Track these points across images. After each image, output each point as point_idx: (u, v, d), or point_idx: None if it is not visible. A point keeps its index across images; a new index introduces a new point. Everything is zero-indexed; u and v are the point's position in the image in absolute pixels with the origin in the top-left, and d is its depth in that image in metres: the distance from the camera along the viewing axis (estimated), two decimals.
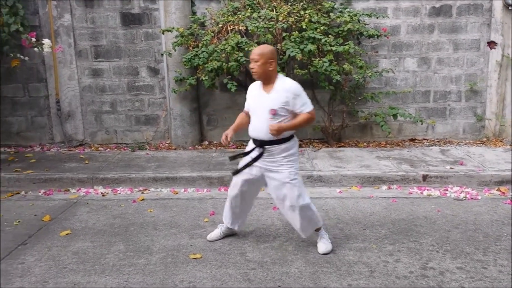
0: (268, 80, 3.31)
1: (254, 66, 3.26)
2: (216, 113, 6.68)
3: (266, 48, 3.30)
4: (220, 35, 5.85)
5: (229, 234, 3.76)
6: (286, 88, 3.26)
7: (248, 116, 3.49)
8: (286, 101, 3.23)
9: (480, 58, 6.48)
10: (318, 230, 3.53)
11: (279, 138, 3.28)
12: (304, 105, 3.27)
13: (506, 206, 4.40)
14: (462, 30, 6.42)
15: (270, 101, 3.25)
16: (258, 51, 3.26)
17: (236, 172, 3.46)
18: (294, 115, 3.29)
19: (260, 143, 3.33)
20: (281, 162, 3.32)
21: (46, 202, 4.71)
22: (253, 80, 6.50)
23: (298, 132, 6.71)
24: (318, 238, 3.53)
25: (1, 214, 4.38)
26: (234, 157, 3.49)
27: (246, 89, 6.15)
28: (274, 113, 3.23)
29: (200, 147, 6.50)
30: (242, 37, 5.71)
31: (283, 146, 3.32)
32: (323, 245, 3.47)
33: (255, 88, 3.42)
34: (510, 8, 6.24)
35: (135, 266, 3.31)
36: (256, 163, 3.36)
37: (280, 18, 5.70)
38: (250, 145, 3.46)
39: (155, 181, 5.13)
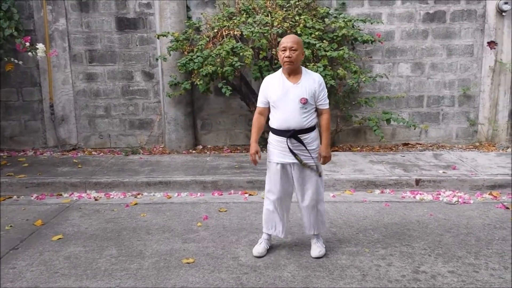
0: (296, 71, 3.31)
1: (291, 55, 3.22)
2: (211, 117, 6.69)
3: (299, 38, 3.35)
4: (215, 40, 5.87)
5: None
6: (314, 78, 3.32)
7: (263, 114, 3.44)
8: (315, 91, 3.29)
9: (473, 64, 6.53)
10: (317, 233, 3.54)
11: (310, 127, 3.32)
12: (326, 100, 3.37)
13: (498, 210, 4.42)
14: (456, 35, 6.47)
15: (300, 91, 3.27)
16: (295, 40, 3.27)
17: (303, 164, 3.35)
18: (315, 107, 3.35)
19: (293, 133, 3.30)
20: (314, 151, 3.35)
21: (38, 207, 4.69)
22: (247, 85, 6.52)
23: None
24: (314, 241, 3.53)
25: None
26: (304, 164, 3.36)
27: (240, 93, 6.25)
28: (305, 102, 3.25)
29: (194, 151, 6.50)
30: (237, 42, 5.73)
31: (313, 134, 3.36)
32: (317, 249, 3.48)
33: (275, 81, 3.36)
34: (503, 14, 6.30)
35: (127, 271, 3.30)
36: (289, 160, 3.34)
37: (275, 23, 5.73)
38: (275, 138, 3.37)
39: (149, 185, 5.12)
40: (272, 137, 3.41)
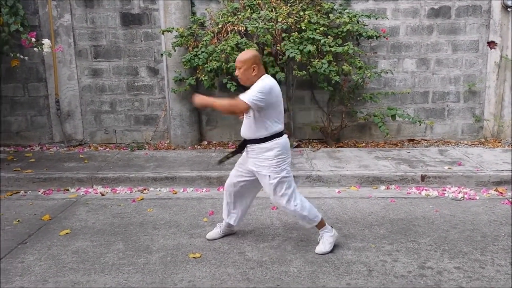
0: (252, 83, 3.33)
1: (238, 73, 3.34)
2: (215, 113, 6.69)
3: (247, 54, 3.34)
4: (220, 35, 5.87)
5: (228, 233, 3.77)
6: (253, 87, 3.30)
7: None
8: None
9: (478, 59, 6.51)
10: (320, 228, 3.51)
11: (256, 138, 3.33)
12: (247, 94, 3.24)
13: (504, 206, 4.42)
14: (461, 31, 6.44)
15: None
16: (240, 58, 3.31)
17: (220, 161, 3.67)
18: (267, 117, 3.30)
19: (243, 141, 3.45)
20: (261, 164, 3.35)
21: (45, 202, 4.72)
22: None
23: (297, 133, 6.76)
24: (319, 237, 3.54)
25: (1, 213, 4.39)
26: (221, 161, 3.67)
27: (245, 89, 6.22)
28: (247, 111, 3.32)
29: (199, 147, 6.52)
30: (242, 37, 5.73)
31: (260, 146, 3.34)
32: (320, 245, 3.49)
33: None
34: (508, 9, 6.27)
35: (135, 265, 3.33)
36: (248, 163, 3.44)
37: (280, 19, 5.72)
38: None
39: (155, 180, 5.14)
40: None
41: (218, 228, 3.78)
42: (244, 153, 3.51)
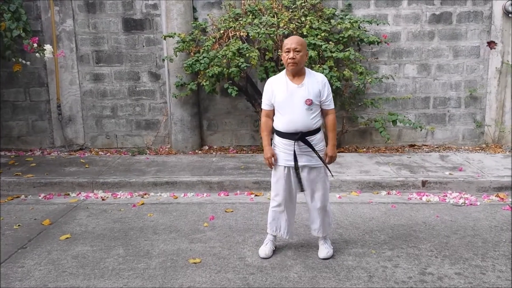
0: (300, 72, 3.29)
1: (295, 56, 3.19)
2: (216, 118, 6.71)
3: (303, 39, 3.34)
4: (222, 41, 5.89)
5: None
6: (318, 78, 3.31)
7: (270, 116, 3.42)
8: (319, 91, 3.28)
9: (479, 65, 6.51)
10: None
11: (316, 128, 3.33)
12: (331, 100, 3.36)
13: (505, 212, 4.40)
14: (462, 37, 6.45)
15: (305, 92, 3.25)
16: (299, 41, 3.24)
17: (297, 168, 3.35)
18: (320, 108, 3.34)
19: (301, 135, 3.29)
20: (321, 151, 3.35)
21: (46, 206, 4.72)
22: (253, 86, 6.52)
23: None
24: (321, 242, 3.54)
25: (2, 218, 4.39)
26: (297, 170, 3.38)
27: (246, 94, 6.27)
28: (310, 103, 3.24)
29: (200, 151, 6.52)
30: (243, 43, 5.74)
31: (319, 135, 3.37)
32: (325, 250, 3.48)
33: (279, 83, 3.33)
34: (510, 15, 6.28)
35: (135, 270, 3.32)
36: (301, 160, 3.34)
37: (281, 25, 5.74)
38: (281, 141, 3.36)
39: (155, 185, 5.14)
40: (278, 140, 3.39)
41: (270, 244, 3.56)
42: (281, 158, 3.35)
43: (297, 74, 3.29)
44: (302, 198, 3.60)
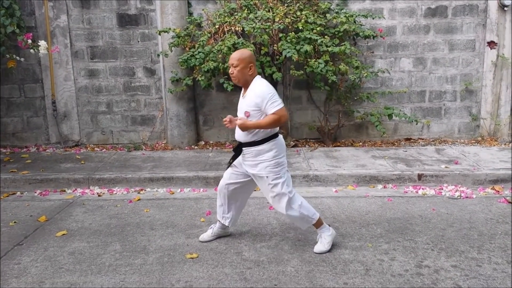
0: (246, 84, 3.34)
1: (233, 71, 3.29)
2: (212, 113, 6.69)
3: (245, 53, 3.32)
4: (217, 35, 5.87)
5: (222, 235, 3.75)
6: (256, 93, 3.27)
7: None
8: (257, 103, 3.26)
9: (475, 58, 6.52)
10: (318, 227, 3.50)
11: (253, 141, 3.31)
12: (271, 106, 3.23)
13: (500, 204, 4.42)
14: (458, 30, 6.46)
15: (245, 104, 3.33)
16: (237, 56, 3.28)
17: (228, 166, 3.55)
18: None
19: (239, 145, 3.41)
20: (258, 166, 3.33)
21: (42, 203, 4.71)
22: None
23: (294, 132, 6.76)
24: (317, 236, 3.54)
25: None
26: (229, 164, 3.55)
27: (241, 89, 6.23)
28: (248, 115, 3.29)
29: (196, 147, 6.51)
30: (239, 37, 5.72)
31: (258, 148, 3.32)
32: (319, 245, 3.49)
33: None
34: (505, 8, 6.28)
35: (132, 266, 3.32)
36: (244, 165, 3.41)
37: (277, 19, 5.72)
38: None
39: (151, 181, 5.13)
40: None
41: (210, 230, 3.74)
42: (239, 157, 3.47)
43: (245, 86, 3.34)
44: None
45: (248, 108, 3.28)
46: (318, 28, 5.77)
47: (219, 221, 3.69)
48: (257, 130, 3.29)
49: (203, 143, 6.68)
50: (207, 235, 3.72)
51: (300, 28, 5.72)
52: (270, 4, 5.97)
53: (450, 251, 3.45)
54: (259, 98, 3.25)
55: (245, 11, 5.92)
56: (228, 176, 3.55)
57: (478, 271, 3.16)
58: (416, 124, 6.48)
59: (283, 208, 3.36)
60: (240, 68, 3.26)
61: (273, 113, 3.22)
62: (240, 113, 3.36)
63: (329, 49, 5.67)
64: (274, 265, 3.28)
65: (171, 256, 3.46)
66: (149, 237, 3.81)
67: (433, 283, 3.01)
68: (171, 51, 5.97)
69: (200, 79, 5.79)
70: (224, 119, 3.38)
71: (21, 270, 3.28)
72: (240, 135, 3.37)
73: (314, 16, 5.92)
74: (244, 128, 3.27)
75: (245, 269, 3.24)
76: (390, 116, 6.10)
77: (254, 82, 3.32)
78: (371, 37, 6.04)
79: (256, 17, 5.76)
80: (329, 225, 3.61)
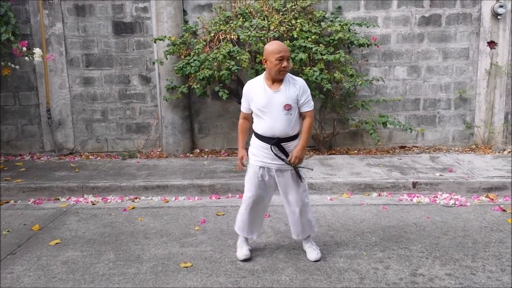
0: (282, 78, 3.30)
1: (287, 65, 3.21)
2: (208, 121, 6.69)
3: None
4: (212, 43, 5.88)
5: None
6: (295, 82, 3.29)
7: (248, 119, 3.49)
8: (296, 95, 3.26)
9: (469, 67, 6.57)
10: (308, 237, 3.55)
11: (295, 134, 3.32)
12: (309, 103, 3.32)
13: (494, 212, 4.44)
14: (451, 39, 6.51)
15: (284, 97, 3.24)
16: (287, 49, 3.25)
17: (291, 165, 3.33)
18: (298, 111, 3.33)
19: (278, 141, 3.29)
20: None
21: (35, 211, 4.68)
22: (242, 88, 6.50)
23: None
24: (307, 245, 3.54)
25: None
26: (288, 163, 3.35)
27: (237, 97, 6.26)
28: (289, 108, 3.23)
29: (191, 155, 6.50)
30: (234, 45, 5.75)
31: (296, 141, 3.35)
32: (314, 252, 3.48)
33: (257, 87, 3.32)
34: (498, 17, 6.34)
35: (125, 275, 3.30)
36: (271, 163, 3.34)
37: (272, 27, 5.75)
38: (258, 144, 3.36)
39: (146, 189, 5.12)
40: (254, 141, 3.41)
41: (246, 246, 3.56)
42: (256, 158, 3.36)
43: (278, 79, 3.29)
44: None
45: (289, 101, 3.23)
46: (313, 37, 5.80)
47: (248, 237, 3.57)
48: (295, 123, 3.29)
49: (198, 151, 6.67)
50: (247, 250, 3.54)
51: (295, 36, 5.75)
52: (265, 12, 6.00)
53: (445, 259, 3.45)
54: (300, 89, 3.27)
55: (241, 19, 5.95)
56: (261, 189, 3.40)
57: (472, 279, 3.16)
58: (411, 132, 6.51)
59: (304, 202, 3.41)
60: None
61: (308, 115, 3.32)
62: (275, 108, 3.23)
63: (324, 57, 5.70)
64: (268, 274, 3.27)
65: (165, 265, 3.44)
66: (143, 246, 3.79)
67: None
68: (167, 59, 5.98)
69: (195, 87, 5.80)
70: (293, 161, 3.28)
71: (14, 280, 3.25)
72: (284, 129, 3.25)
73: (309, 24, 5.96)
74: (304, 149, 3.31)
75: (240, 278, 3.22)
76: (384, 124, 6.12)
77: (289, 75, 3.32)
78: (366, 45, 6.07)
79: (251, 25, 5.79)
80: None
